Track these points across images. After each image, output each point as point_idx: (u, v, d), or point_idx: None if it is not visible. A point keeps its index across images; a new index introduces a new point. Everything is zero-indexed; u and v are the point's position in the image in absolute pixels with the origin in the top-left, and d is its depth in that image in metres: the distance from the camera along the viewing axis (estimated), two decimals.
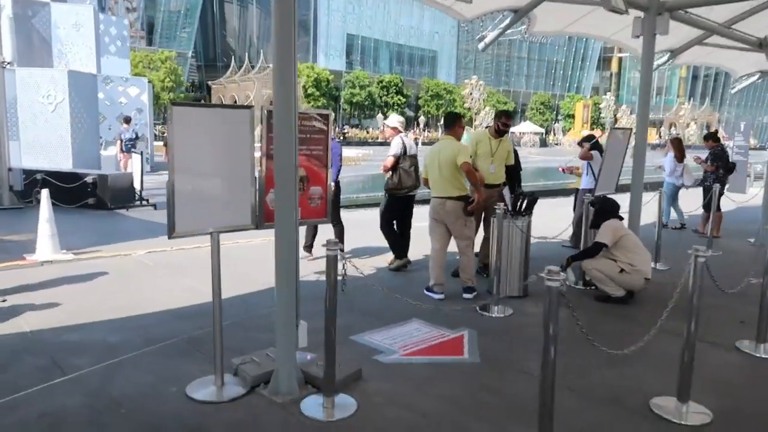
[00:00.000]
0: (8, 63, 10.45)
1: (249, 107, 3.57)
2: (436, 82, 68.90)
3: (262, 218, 3.69)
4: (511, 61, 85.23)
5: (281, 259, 3.36)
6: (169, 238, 3.24)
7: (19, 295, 5.35)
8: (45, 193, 6.83)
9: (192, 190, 3.30)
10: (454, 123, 5.80)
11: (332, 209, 4.98)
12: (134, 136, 16.19)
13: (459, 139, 5.80)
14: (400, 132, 6.66)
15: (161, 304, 5.17)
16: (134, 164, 11.59)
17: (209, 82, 51.49)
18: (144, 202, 11.19)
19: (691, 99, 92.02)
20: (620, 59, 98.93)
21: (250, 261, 6.73)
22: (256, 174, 3.62)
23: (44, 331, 4.43)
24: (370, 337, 4.46)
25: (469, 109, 48.62)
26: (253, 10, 60.80)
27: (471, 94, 47.59)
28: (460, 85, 71.12)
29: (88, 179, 10.86)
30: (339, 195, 6.80)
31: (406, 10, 71.17)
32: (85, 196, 10.84)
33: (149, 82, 20.52)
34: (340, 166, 6.63)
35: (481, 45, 6.81)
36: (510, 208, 5.75)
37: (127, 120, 16.34)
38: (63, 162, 13.24)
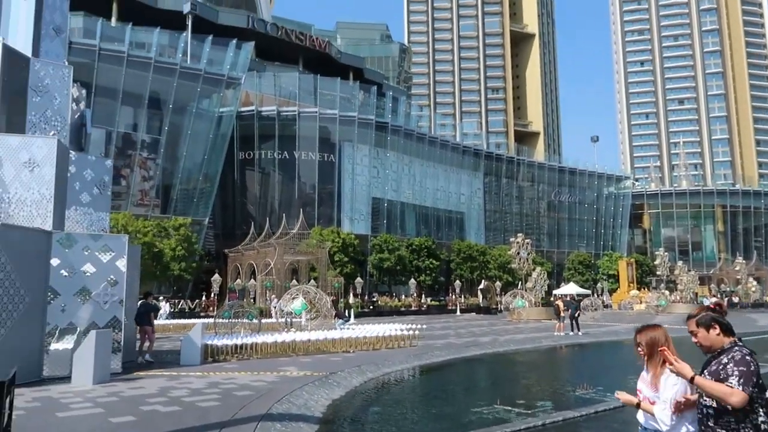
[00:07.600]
0: None
1: None
2: (468, 243, 64.12)
3: None
4: (541, 221, 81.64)
5: None
6: None
7: None
8: None
9: None
10: None
11: None
12: None
13: None
14: None
15: None
16: None
17: (225, 250, 46.79)
18: None
19: (736, 253, 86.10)
20: (650, 215, 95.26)
21: None
22: None
23: None
24: None
25: (518, 269, 42.75)
26: (275, 176, 58.12)
27: (518, 253, 41.96)
28: (492, 246, 66.33)
29: None
30: None
31: (430, 172, 68.96)
32: None
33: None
34: None
35: None
36: None
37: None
38: None
